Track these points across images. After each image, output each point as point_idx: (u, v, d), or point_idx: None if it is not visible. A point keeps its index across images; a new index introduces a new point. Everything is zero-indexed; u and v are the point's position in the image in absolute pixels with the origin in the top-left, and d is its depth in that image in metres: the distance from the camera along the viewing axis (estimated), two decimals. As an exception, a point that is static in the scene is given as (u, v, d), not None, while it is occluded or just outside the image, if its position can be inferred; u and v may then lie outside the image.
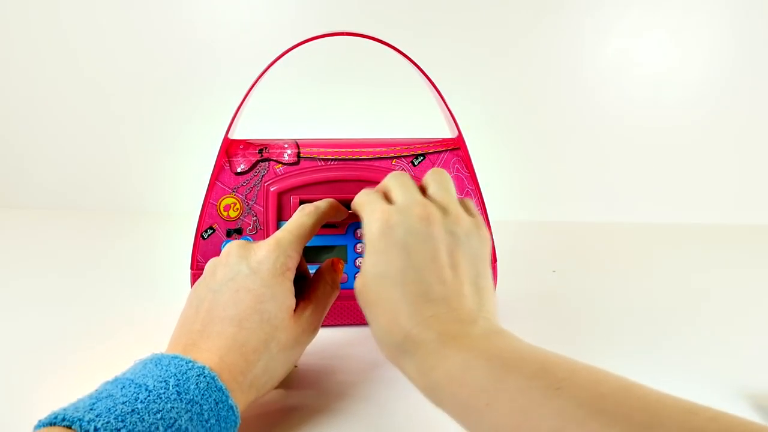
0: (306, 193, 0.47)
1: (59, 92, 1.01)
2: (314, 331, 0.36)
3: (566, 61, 0.96)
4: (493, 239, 0.51)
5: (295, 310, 0.35)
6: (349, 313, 0.51)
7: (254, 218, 0.47)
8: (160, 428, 0.24)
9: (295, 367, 0.43)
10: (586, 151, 1.00)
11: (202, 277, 0.35)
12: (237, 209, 0.47)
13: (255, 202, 0.47)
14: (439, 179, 0.35)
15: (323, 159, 0.48)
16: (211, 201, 0.46)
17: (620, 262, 0.76)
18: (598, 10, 0.93)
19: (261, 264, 0.33)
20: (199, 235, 0.47)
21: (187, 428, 0.25)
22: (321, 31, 0.45)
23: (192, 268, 0.47)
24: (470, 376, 0.25)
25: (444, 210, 0.33)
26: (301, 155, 0.47)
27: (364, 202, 0.34)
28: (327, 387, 0.41)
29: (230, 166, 0.46)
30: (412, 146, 0.49)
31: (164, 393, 0.25)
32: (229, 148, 0.47)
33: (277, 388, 0.40)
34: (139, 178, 1.05)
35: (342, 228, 0.48)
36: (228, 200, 0.46)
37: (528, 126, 1.00)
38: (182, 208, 0.96)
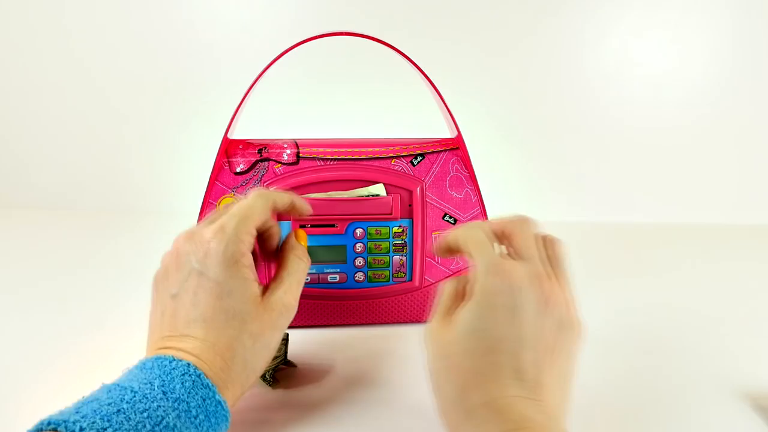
0: (305, 192, 0.47)
1: (59, 92, 1.01)
2: (290, 310, 0.34)
3: (566, 62, 0.96)
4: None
5: (264, 294, 0.33)
6: (348, 313, 0.51)
7: (253, 218, 0.47)
8: (147, 426, 0.24)
9: (295, 366, 0.43)
10: (586, 151, 1.00)
11: (159, 276, 0.33)
12: (236, 209, 0.46)
13: (254, 203, 0.47)
14: (559, 250, 0.32)
15: (322, 159, 0.48)
16: (210, 201, 0.46)
17: (620, 261, 0.76)
18: (598, 10, 0.93)
19: (209, 259, 0.31)
20: (199, 236, 0.46)
21: (175, 425, 0.25)
22: (320, 31, 0.45)
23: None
24: None
25: (561, 289, 0.30)
26: (301, 155, 0.47)
27: (481, 243, 0.31)
28: (326, 387, 0.41)
29: (230, 166, 0.46)
30: (412, 146, 0.49)
31: (150, 393, 0.25)
32: (229, 148, 0.47)
33: (276, 387, 0.40)
34: (138, 179, 1.05)
35: (341, 228, 0.48)
36: (227, 200, 0.46)
37: (527, 126, 1.00)
38: (182, 208, 0.96)
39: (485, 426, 0.26)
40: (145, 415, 0.24)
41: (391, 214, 0.48)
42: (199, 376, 0.27)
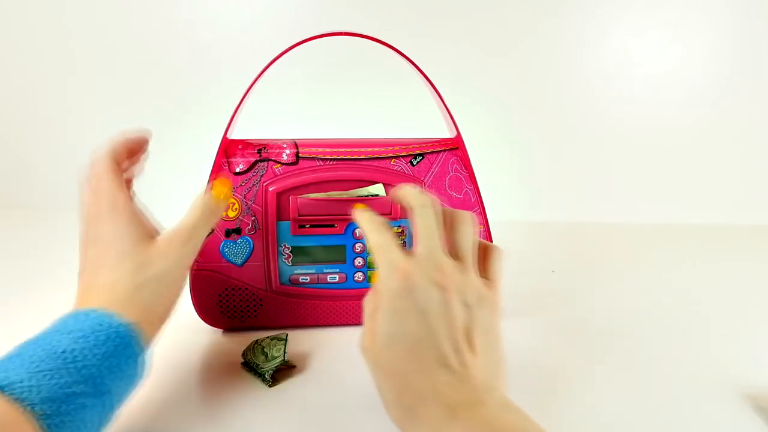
0: (305, 192, 0.47)
1: (59, 92, 1.01)
2: (186, 256, 0.36)
3: (566, 62, 0.96)
4: (491, 240, 0.51)
5: (161, 239, 0.36)
6: (348, 313, 0.51)
7: (253, 218, 0.47)
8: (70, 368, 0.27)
9: (294, 366, 0.43)
10: (585, 151, 1.00)
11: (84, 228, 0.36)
12: (236, 209, 0.46)
13: (254, 202, 0.47)
14: (465, 231, 0.34)
15: (322, 159, 0.48)
16: (209, 201, 0.46)
17: (620, 262, 0.76)
18: (598, 10, 0.93)
19: (92, 208, 0.36)
20: (198, 235, 0.46)
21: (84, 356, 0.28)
22: (320, 32, 0.45)
23: (191, 268, 0.47)
24: None
25: (461, 272, 0.32)
26: (300, 155, 0.47)
27: (381, 247, 0.33)
28: (326, 387, 0.41)
29: (229, 166, 0.46)
30: (411, 146, 0.49)
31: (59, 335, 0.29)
32: (228, 148, 0.47)
33: (275, 386, 0.40)
34: (138, 179, 1.05)
35: (340, 228, 0.48)
36: None
37: (527, 126, 1.00)
38: (181, 208, 0.96)
39: (426, 419, 0.28)
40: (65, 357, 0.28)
41: (390, 214, 0.48)
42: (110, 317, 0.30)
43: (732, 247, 0.84)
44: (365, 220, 0.35)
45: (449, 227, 0.34)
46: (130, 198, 0.37)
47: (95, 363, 0.28)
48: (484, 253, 0.35)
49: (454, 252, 0.33)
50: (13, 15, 0.96)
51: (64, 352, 0.28)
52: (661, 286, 0.65)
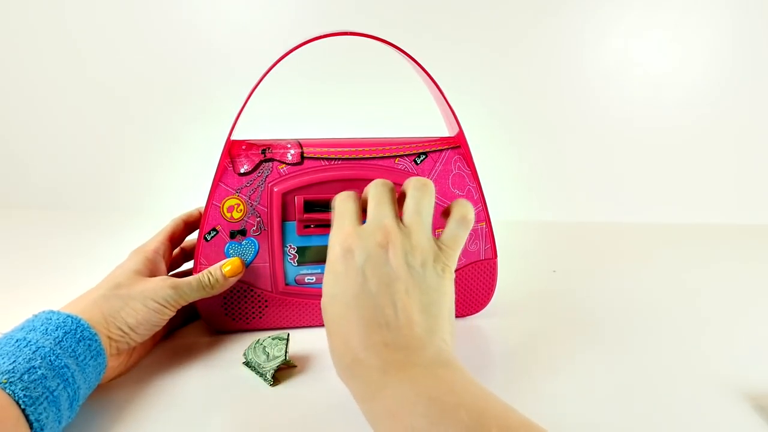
0: (310, 193, 0.47)
1: (60, 92, 1.01)
2: (160, 297, 0.41)
3: (566, 61, 0.96)
4: (494, 237, 0.51)
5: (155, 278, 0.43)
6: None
7: (258, 219, 0.47)
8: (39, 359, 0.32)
9: (295, 366, 0.43)
10: (586, 150, 1.00)
11: None
12: (241, 210, 0.46)
13: (259, 203, 0.47)
14: (417, 196, 0.35)
15: (327, 159, 0.48)
16: (214, 202, 0.46)
17: (620, 262, 0.76)
18: (598, 10, 0.93)
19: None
20: (203, 237, 0.46)
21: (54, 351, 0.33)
22: (322, 31, 0.45)
23: (195, 270, 0.47)
24: (406, 414, 0.25)
25: (407, 235, 0.33)
26: (305, 155, 0.47)
27: (336, 215, 0.35)
28: (326, 387, 0.41)
29: (233, 166, 0.46)
30: (415, 145, 0.49)
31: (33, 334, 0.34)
32: (232, 149, 0.47)
33: (274, 385, 0.40)
34: (139, 179, 1.05)
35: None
36: (231, 201, 0.46)
37: (528, 125, 1.00)
38: (183, 209, 0.96)
39: (362, 377, 0.29)
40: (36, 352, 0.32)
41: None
42: (76, 320, 0.36)
43: (732, 247, 0.85)
44: (339, 195, 0.37)
45: (402, 197, 0.36)
46: (157, 250, 0.46)
47: (47, 345, 0.33)
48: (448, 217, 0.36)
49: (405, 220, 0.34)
50: (15, 15, 0.96)
51: (18, 341, 0.32)
52: (661, 285, 0.65)
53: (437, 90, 0.48)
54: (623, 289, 0.64)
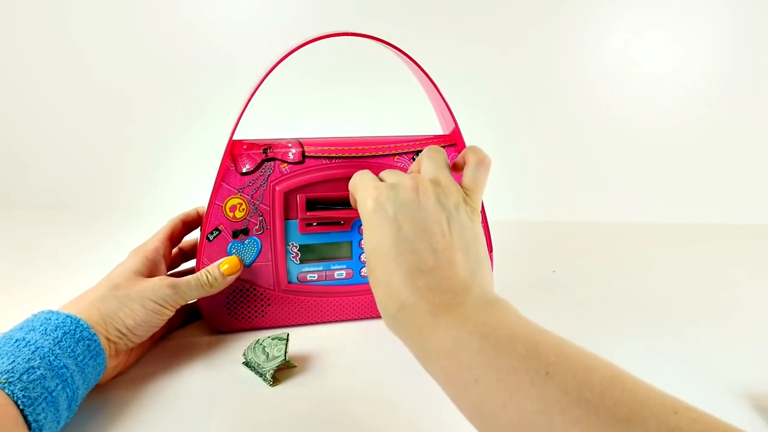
0: (312, 191, 0.47)
1: (60, 92, 1.01)
2: (157, 297, 0.41)
3: (566, 61, 0.96)
4: (489, 235, 0.52)
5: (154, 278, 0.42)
6: (355, 308, 0.51)
7: (260, 218, 0.47)
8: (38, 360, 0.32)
9: (295, 366, 0.43)
10: (586, 150, 1.00)
11: None
12: (243, 209, 0.47)
13: (261, 202, 0.47)
14: (433, 155, 0.36)
15: (327, 157, 0.48)
16: (216, 202, 0.46)
17: (620, 262, 0.76)
18: (598, 10, 0.93)
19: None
20: (205, 237, 0.46)
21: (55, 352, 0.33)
22: (320, 32, 0.45)
23: (197, 270, 0.47)
24: (462, 351, 0.26)
25: (435, 182, 0.34)
26: (306, 154, 0.47)
27: (358, 183, 0.36)
28: (326, 387, 0.41)
29: (235, 166, 0.46)
30: (413, 143, 0.50)
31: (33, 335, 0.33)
32: (233, 149, 0.47)
33: (274, 385, 0.40)
34: (140, 179, 1.05)
35: (347, 224, 0.49)
36: (234, 201, 0.46)
37: (528, 125, 1.00)
38: (183, 209, 0.96)
39: (410, 323, 0.29)
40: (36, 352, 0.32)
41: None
42: (76, 320, 0.36)
43: (732, 247, 0.85)
44: (356, 173, 0.38)
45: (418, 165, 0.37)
46: (157, 250, 0.46)
47: (46, 345, 0.33)
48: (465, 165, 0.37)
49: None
50: (15, 14, 0.96)
51: (17, 341, 0.33)
52: (661, 285, 0.65)
53: (434, 88, 0.48)
54: (623, 289, 0.64)
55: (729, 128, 0.97)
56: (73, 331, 0.35)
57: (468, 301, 0.29)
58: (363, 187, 0.35)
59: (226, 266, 0.45)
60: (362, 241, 0.34)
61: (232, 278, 0.45)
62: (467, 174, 0.36)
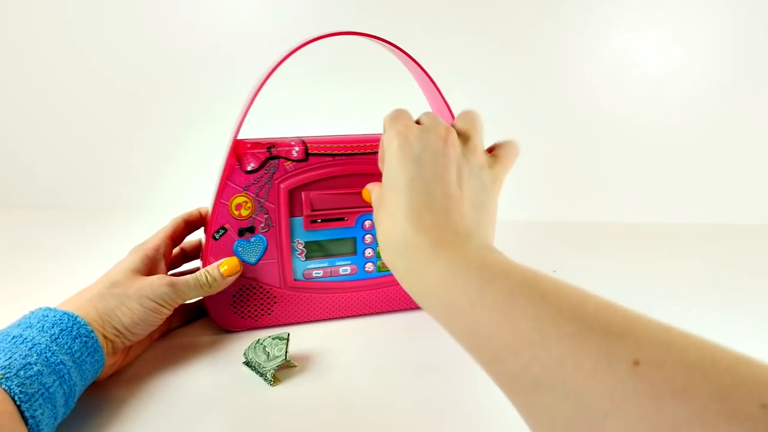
0: (317, 188, 0.48)
1: (60, 91, 1.01)
2: (155, 296, 0.41)
3: (566, 61, 0.96)
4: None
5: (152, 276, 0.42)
6: (360, 303, 0.51)
7: (266, 216, 0.47)
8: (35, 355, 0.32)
9: (295, 366, 0.43)
10: (586, 150, 1.01)
11: None
12: (249, 207, 0.47)
13: (266, 200, 0.47)
14: (470, 116, 0.38)
15: (331, 154, 0.48)
16: (222, 201, 0.46)
17: (620, 261, 0.76)
18: (598, 10, 0.94)
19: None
20: (211, 236, 0.46)
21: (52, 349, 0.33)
22: (322, 31, 0.45)
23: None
24: (459, 279, 0.27)
25: (465, 138, 0.35)
26: (309, 151, 0.48)
27: (394, 118, 0.36)
28: (326, 387, 0.41)
29: (240, 165, 0.46)
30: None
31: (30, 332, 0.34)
32: (238, 148, 0.47)
33: (274, 385, 0.40)
34: (141, 179, 1.05)
35: (351, 220, 0.49)
36: (239, 199, 0.46)
37: (528, 126, 1.00)
38: (185, 208, 0.96)
39: (410, 254, 0.30)
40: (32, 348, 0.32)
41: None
42: (74, 318, 0.36)
43: (732, 247, 0.85)
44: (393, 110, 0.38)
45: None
46: (158, 248, 0.46)
47: (43, 342, 0.33)
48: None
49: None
50: (16, 14, 0.96)
51: (14, 337, 0.33)
52: (660, 285, 0.66)
53: (434, 88, 0.49)
54: (623, 289, 0.64)
55: (729, 128, 0.97)
56: (70, 328, 0.35)
57: (470, 243, 0.30)
58: (394, 121, 0.35)
59: (225, 267, 0.45)
60: (383, 177, 0.35)
61: (231, 279, 0.45)
62: (499, 147, 0.38)
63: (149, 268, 0.44)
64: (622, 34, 0.94)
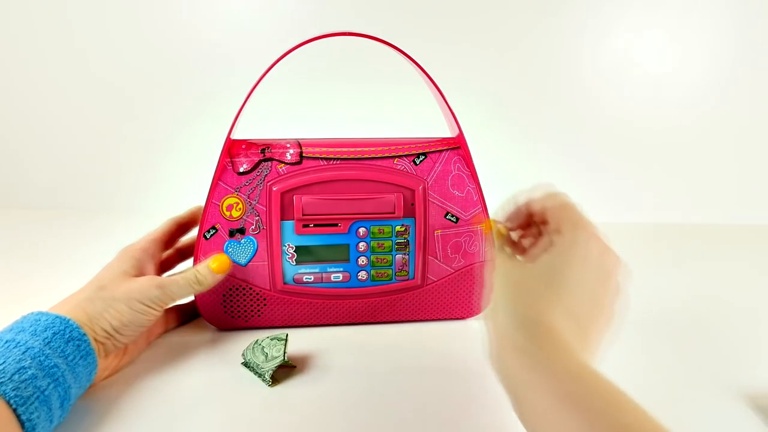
0: (309, 192, 0.47)
1: (58, 92, 1.01)
2: (144, 298, 0.40)
3: (566, 61, 0.96)
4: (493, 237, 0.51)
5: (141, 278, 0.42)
6: (351, 312, 0.51)
7: (257, 218, 0.47)
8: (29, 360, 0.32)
9: (294, 367, 0.43)
10: (585, 150, 1.00)
11: None
12: (240, 209, 0.47)
13: (258, 202, 0.47)
14: (537, 197, 0.39)
15: (325, 158, 0.48)
16: (213, 201, 0.46)
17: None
18: (598, 10, 0.93)
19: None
20: (202, 235, 0.47)
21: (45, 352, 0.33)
22: (321, 31, 0.45)
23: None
24: (556, 420, 0.26)
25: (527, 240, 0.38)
26: (304, 155, 0.47)
27: (583, 218, 0.37)
28: (326, 387, 0.41)
29: (233, 165, 0.46)
30: (414, 145, 0.49)
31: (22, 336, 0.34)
32: (231, 148, 0.47)
33: (273, 385, 0.40)
34: (139, 179, 1.05)
35: (344, 227, 0.49)
36: (231, 200, 0.46)
37: (528, 125, 1.00)
38: (182, 208, 0.96)
39: (532, 336, 0.30)
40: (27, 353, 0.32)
41: (394, 212, 0.49)
42: (66, 321, 0.36)
43: (732, 247, 0.84)
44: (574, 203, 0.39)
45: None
46: (145, 249, 0.46)
47: (36, 346, 0.33)
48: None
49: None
50: (15, 14, 0.96)
51: (7, 342, 0.33)
52: (660, 285, 0.65)
53: (437, 91, 0.48)
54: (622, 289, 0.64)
55: (729, 128, 0.97)
56: (62, 332, 0.35)
57: (583, 363, 0.29)
58: (588, 224, 0.37)
59: (215, 264, 0.45)
60: (542, 249, 0.35)
61: (221, 277, 0.45)
62: (555, 220, 0.38)
63: (137, 269, 0.44)
64: (622, 35, 0.93)
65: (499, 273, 0.37)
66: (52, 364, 0.33)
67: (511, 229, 0.42)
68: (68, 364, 0.34)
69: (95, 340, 0.38)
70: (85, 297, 0.39)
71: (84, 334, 0.36)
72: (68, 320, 0.36)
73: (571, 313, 0.31)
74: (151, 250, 0.46)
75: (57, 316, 0.36)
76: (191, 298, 0.47)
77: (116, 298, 0.40)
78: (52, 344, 0.34)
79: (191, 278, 0.43)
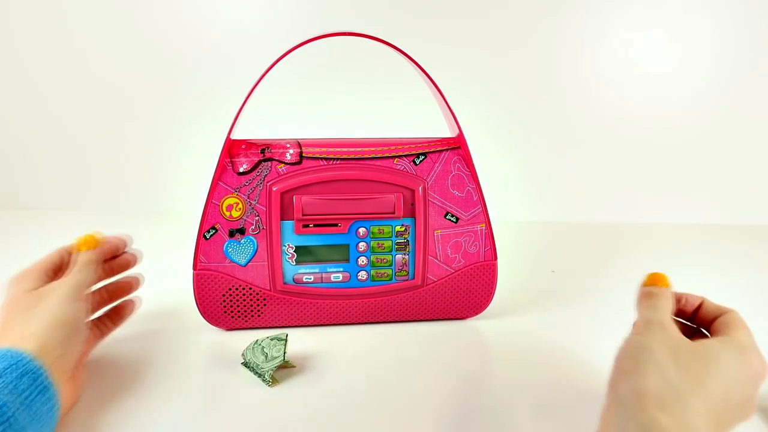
0: (309, 192, 0.47)
1: (59, 92, 1.01)
2: (66, 283, 0.39)
3: (566, 61, 0.96)
4: (493, 239, 0.51)
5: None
6: (351, 311, 0.51)
7: (257, 218, 0.47)
8: None
9: (294, 367, 0.43)
10: (586, 150, 1.00)
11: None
12: (239, 209, 0.47)
13: (258, 202, 0.47)
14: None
15: (325, 159, 0.48)
16: (213, 201, 0.46)
17: (619, 261, 0.76)
18: (598, 10, 0.93)
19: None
20: (202, 235, 0.47)
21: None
22: (321, 31, 0.45)
23: (194, 268, 0.47)
24: None
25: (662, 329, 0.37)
26: (304, 155, 0.47)
27: (750, 339, 0.37)
28: (325, 387, 0.41)
29: (233, 166, 0.46)
30: (413, 145, 0.49)
31: None
32: (231, 148, 0.47)
33: (272, 385, 0.40)
34: (139, 179, 1.05)
35: (344, 227, 0.49)
36: (230, 200, 0.46)
37: (528, 126, 1.00)
38: (182, 208, 0.96)
39: (626, 421, 0.28)
40: None
41: (393, 213, 0.49)
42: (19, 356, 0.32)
43: (732, 247, 0.85)
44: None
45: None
46: (35, 269, 0.43)
47: None
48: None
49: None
50: (15, 14, 0.96)
51: None
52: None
53: (437, 91, 0.48)
54: (623, 289, 0.64)
55: (728, 128, 0.97)
56: (14, 366, 0.31)
57: None
58: (742, 326, 0.38)
59: (82, 246, 0.43)
60: (714, 342, 0.35)
61: (92, 253, 0.43)
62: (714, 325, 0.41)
63: (41, 281, 0.41)
64: (622, 34, 0.93)
65: (662, 336, 0.35)
66: (0, 403, 0.29)
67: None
68: (22, 402, 0.30)
69: (53, 365, 0.34)
70: (19, 324, 0.36)
71: (39, 367, 0.32)
72: (19, 353, 0.32)
73: (712, 404, 0.30)
74: (40, 270, 0.43)
75: (8, 350, 0.32)
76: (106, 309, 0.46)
77: (48, 309, 0.37)
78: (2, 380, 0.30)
79: (82, 262, 0.42)
